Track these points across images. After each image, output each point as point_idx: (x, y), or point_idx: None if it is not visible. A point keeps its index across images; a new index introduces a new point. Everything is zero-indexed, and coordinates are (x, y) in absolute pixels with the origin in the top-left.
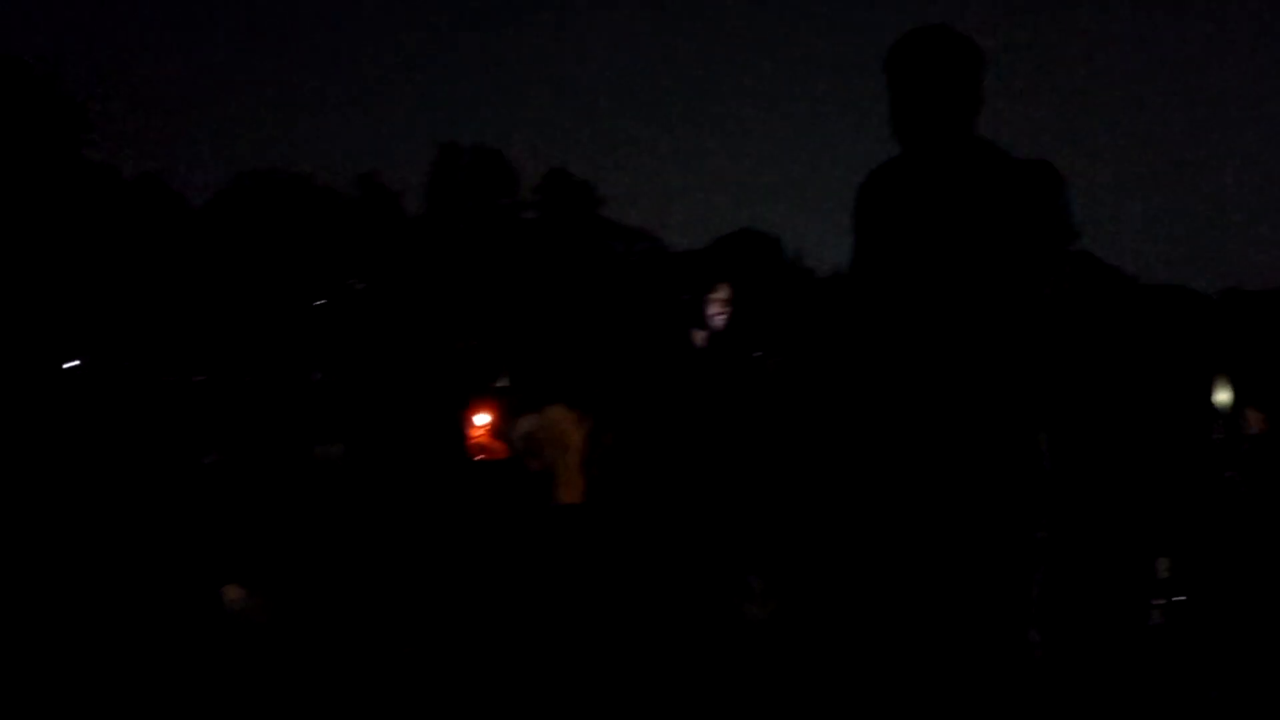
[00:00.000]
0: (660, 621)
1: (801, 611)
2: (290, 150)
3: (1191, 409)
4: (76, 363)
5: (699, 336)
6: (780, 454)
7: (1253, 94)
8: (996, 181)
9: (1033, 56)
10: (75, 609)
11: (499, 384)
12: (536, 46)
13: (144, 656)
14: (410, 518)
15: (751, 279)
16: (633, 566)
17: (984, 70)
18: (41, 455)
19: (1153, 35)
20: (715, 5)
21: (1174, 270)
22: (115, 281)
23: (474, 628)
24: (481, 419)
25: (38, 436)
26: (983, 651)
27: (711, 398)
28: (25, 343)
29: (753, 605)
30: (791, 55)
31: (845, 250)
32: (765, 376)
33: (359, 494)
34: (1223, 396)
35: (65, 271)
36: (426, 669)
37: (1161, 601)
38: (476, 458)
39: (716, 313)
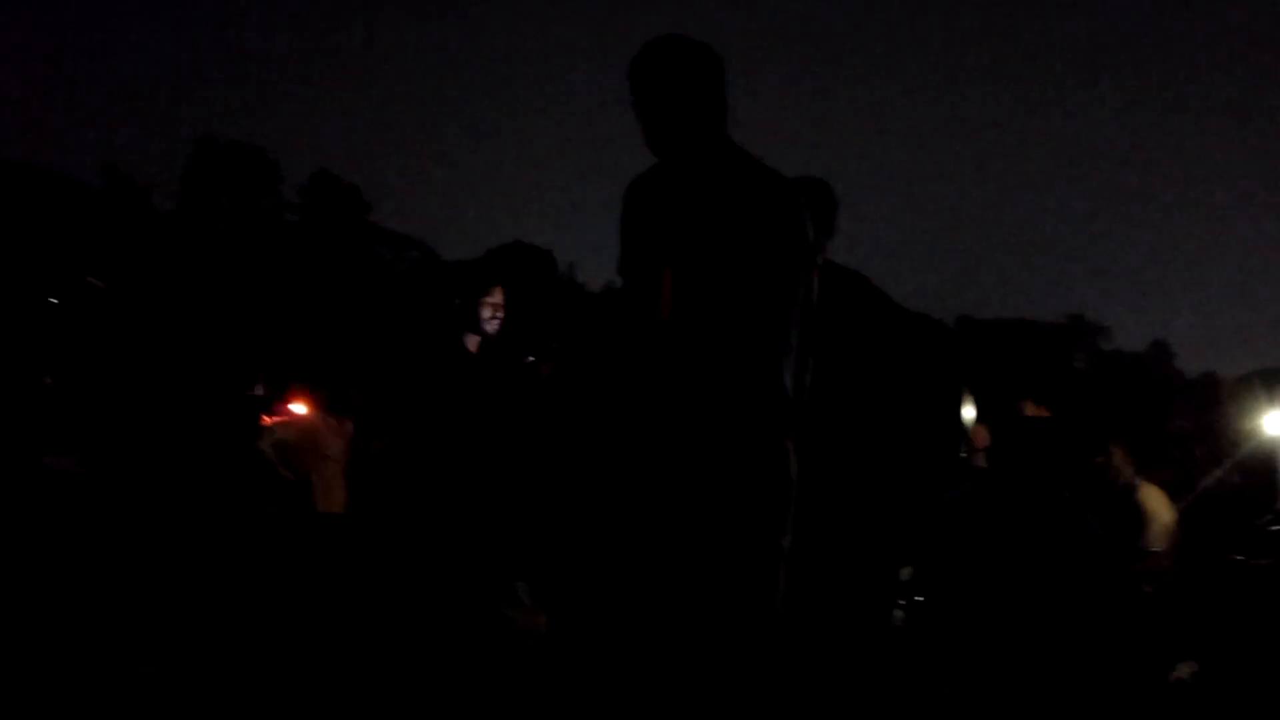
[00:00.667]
0: (425, 630)
1: (560, 617)
2: (23, 135)
3: (941, 425)
4: None
5: (472, 341)
6: (548, 459)
7: (990, 145)
8: (747, 191)
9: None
10: None
11: (254, 391)
12: (299, 45)
13: None
14: (150, 530)
15: (525, 287)
16: (398, 575)
17: (722, 75)
18: None
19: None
20: (490, 13)
21: (913, 300)
22: None
23: (225, 643)
24: (298, 408)
25: None
26: (728, 649)
27: (484, 402)
28: None
29: (518, 611)
30: (564, 68)
31: (614, 261)
32: (538, 382)
33: (95, 507)
34: (969, 413)
35: None
36: (168, 681)
37: (903, 603)
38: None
39: (490, 317)
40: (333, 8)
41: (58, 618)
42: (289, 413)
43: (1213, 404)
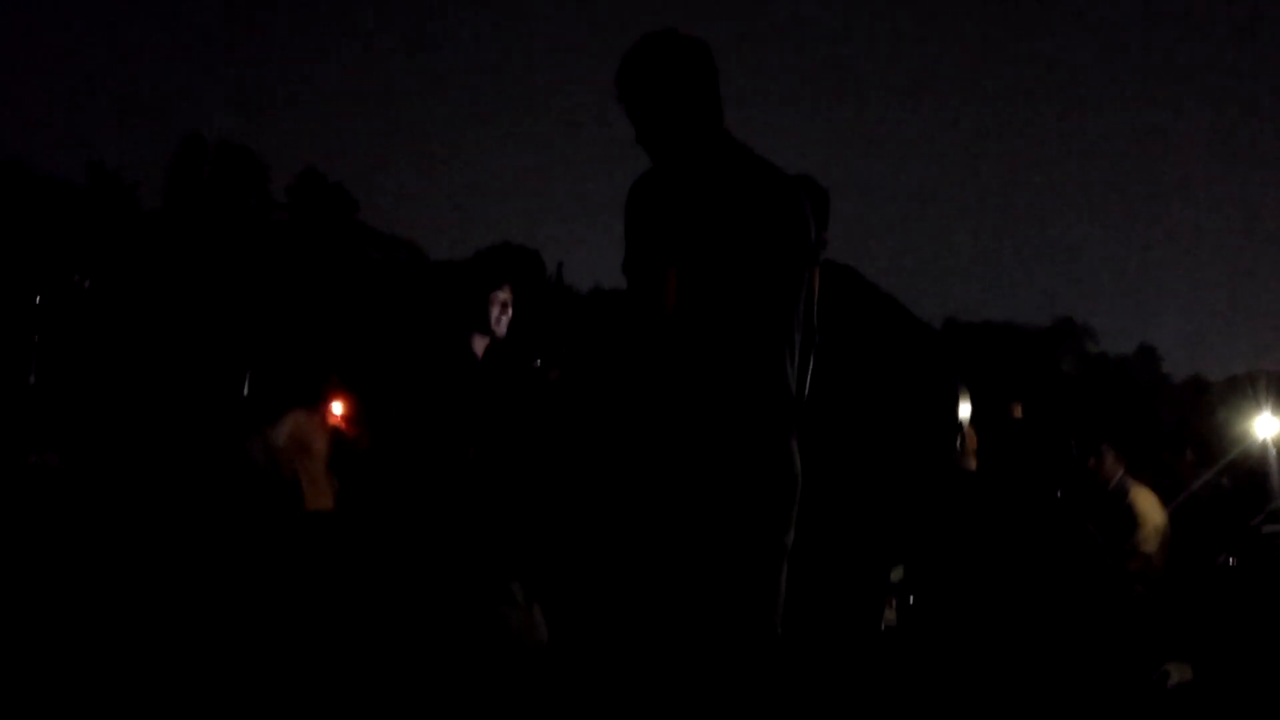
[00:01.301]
0: (417, 627)
1: (561, 615)
2: (7, 132)
3: (936, 423)
4: None
5: (478, 343)
6: (550, 458)
7: (978, 149)
8: (748, 188)
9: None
10: None
11: (241, 391)
12: (288, 44)
13: None
14: (135, 530)
15: (525, 289)
16: (390, 573)
17: (713, 70)
18: None
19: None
20: (478, 15)
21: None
22: None
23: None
24: (336, 408)
25: None
26: (732, 643)
27: (489, 404)
28: None
29: (513, 610)
30: (552, 70)
31: (604, 268)
32: (545, 386)
33: (77, 506)
34: (964, 411)
35: None
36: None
37: (894, 602)
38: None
39: (499, 316)
40: (322, 8)
41: (41, 616)
42: (331, 415)
43: (1200, 407)
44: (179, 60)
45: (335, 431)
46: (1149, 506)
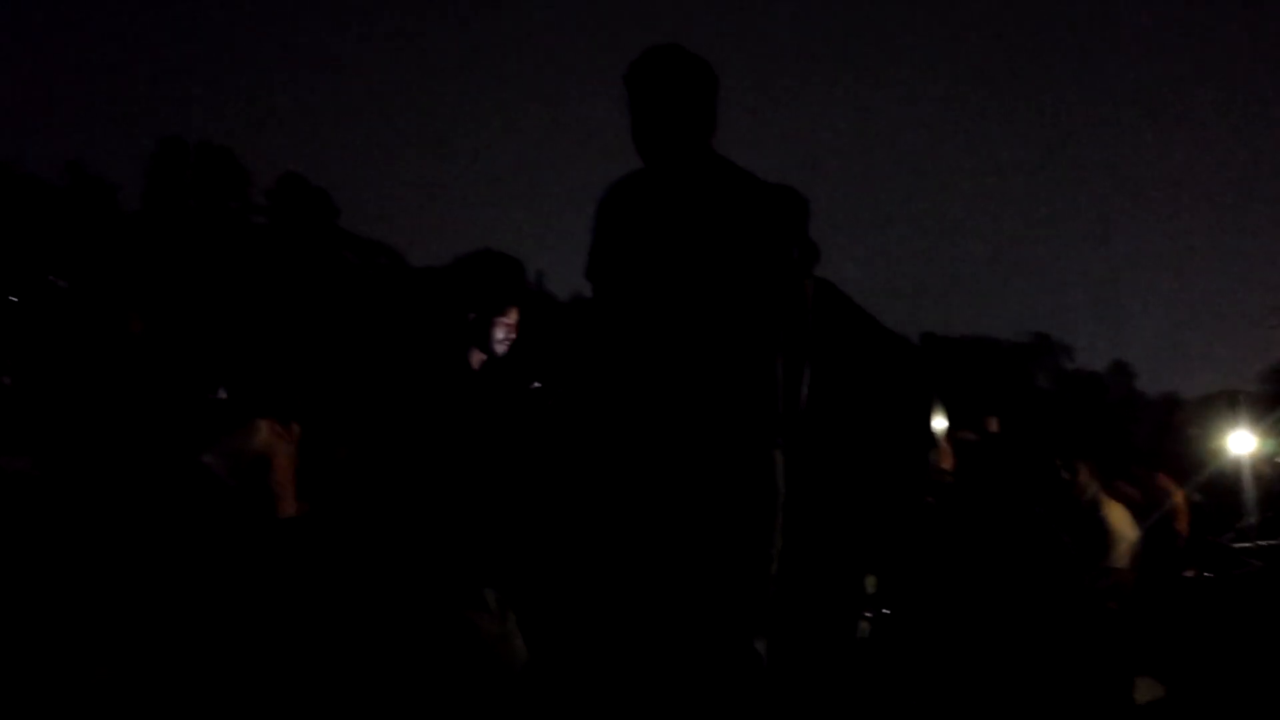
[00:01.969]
0: (387, 633)
1: (540, 626)
2: None
3: (910, 435)
4: None
5: (476, 358)
6: (532, 470)
7: (956, 164)
8: (735, 199)
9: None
10: None
11: (217, 396)
12: (269, 47)
13: None
14: (107, 537)
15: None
16: (360, 579)
17: (716, 90)
18: None
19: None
20: (460, 21)
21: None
22: None
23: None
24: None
25: None
26: (714, 660)
27: (482, 420)
28: None
29: (485, 619)
30: (534, 76)
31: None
32: (544, 410)
33: (49, 511)
34: (939, 424)
35: None
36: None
37: (869, 615)
38: None
39: (502, 339)
40: (306, 12)
41: (10, 621)
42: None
43: (1173, 424)
44: (160, 61)
45: (306, 441)
46: (1122, 523)
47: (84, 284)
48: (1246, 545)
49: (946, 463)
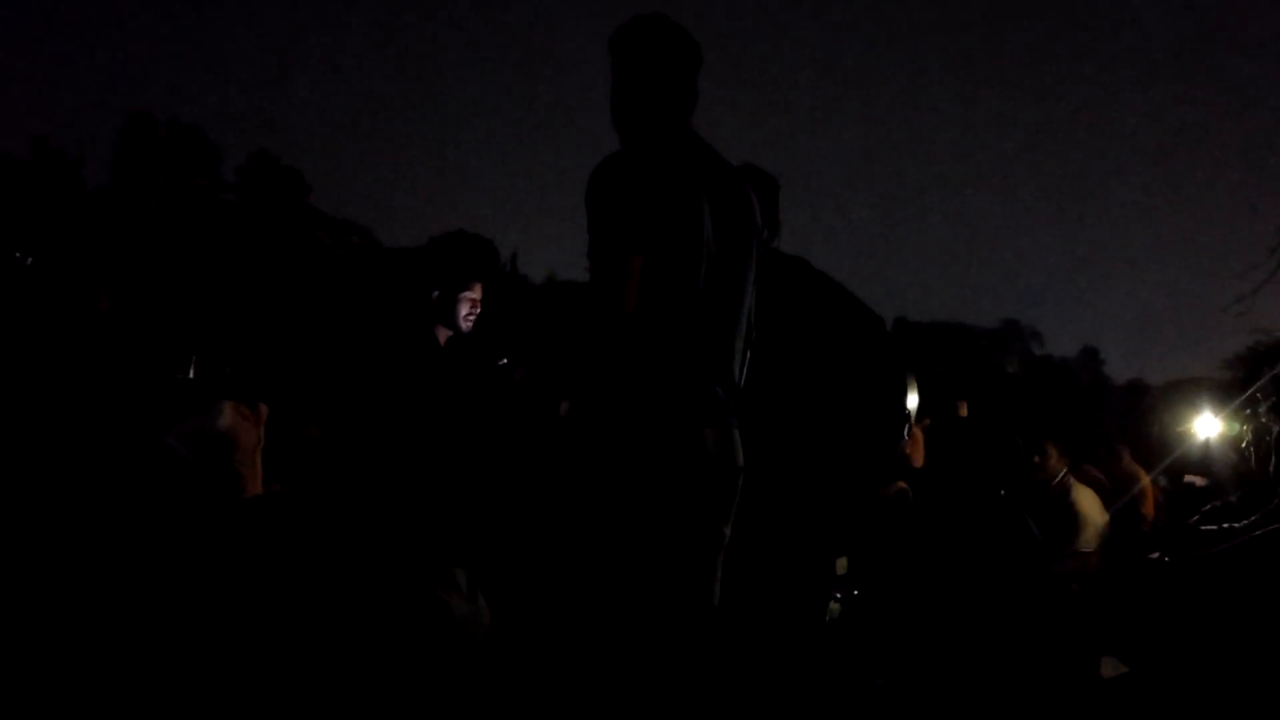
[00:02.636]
0: (356, 612)
1: (508, 603)
2: None
3: (882, 414)
4: None
5: (443, 335)
6: (501, 447)
7: (928, 149)
8: (737, 182)
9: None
10: None
11: (186, 375)
12: (239, 22)
13: None
14: (80, 521)
15: (491, 283)
16: (328, 558)
17: (698, 65)
18: None
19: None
20: (434, 3)
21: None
22: None
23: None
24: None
25: None
26: (670, 638)
27: (449, 396)
28: None
29: (455, 598)
30: (507, 56)
31: (559, 258)
32: (510, 385)
33: (20, 496)
34: (912, 401)
35: None
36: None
37: (839, 595)
38: None
39: (467, 314)
40: None
41: None
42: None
43: (1141, 409)
44: (128, 34)
45: (275, 421)
46: (1090, 506)
47: (50, 260)
48: (1211, 528)
49: (916, 447)
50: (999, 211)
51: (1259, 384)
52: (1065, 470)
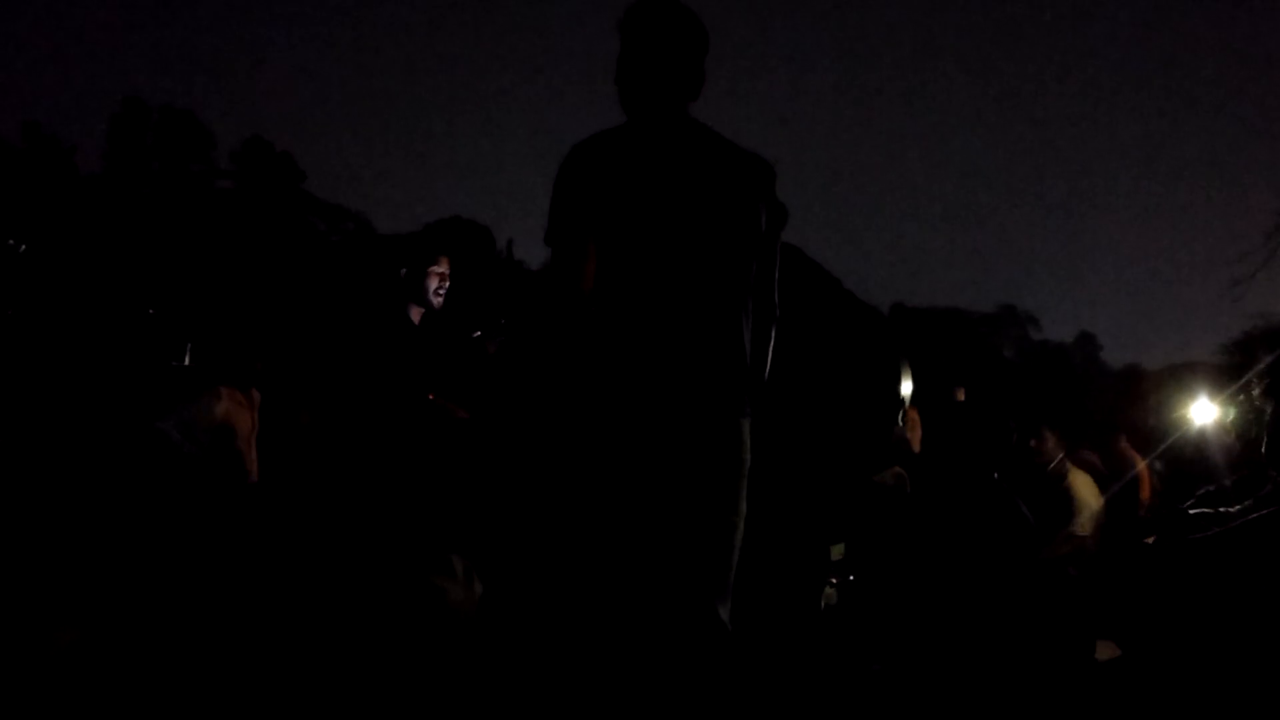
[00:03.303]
0: (352, 598)
1: (502, 593)
2: None
3: (877, 401)
4: None
5: (415, 313)
6: (493, 434)
7: (925, 136)
8: (709, 163)
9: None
10: None
11: (182, 362)
12: (239, 7)
13: None
14: (81, 509)
15: (465, 263)
16: (323, 545)
17: (707, 51)
18: None
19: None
20: None
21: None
22: None
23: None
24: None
25: None
26: (678, 625)
27: (425, 374)
28: None
29: (452, 584)
30: (505, 42)
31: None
32: (483, 359)
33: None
34: (906, 388)
35: None
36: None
37: (834, 581)
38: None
39: (436, 288)
40: None
41: None
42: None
43: (1136, 394)
44: (120, 19)
45: (269, 407)
46: (1086, 490)
47: (43, 247)
48: (1206, 511)
49: (914, 432)
50: (996, 196)
51: (1256, 369)
52: (1062, 455)
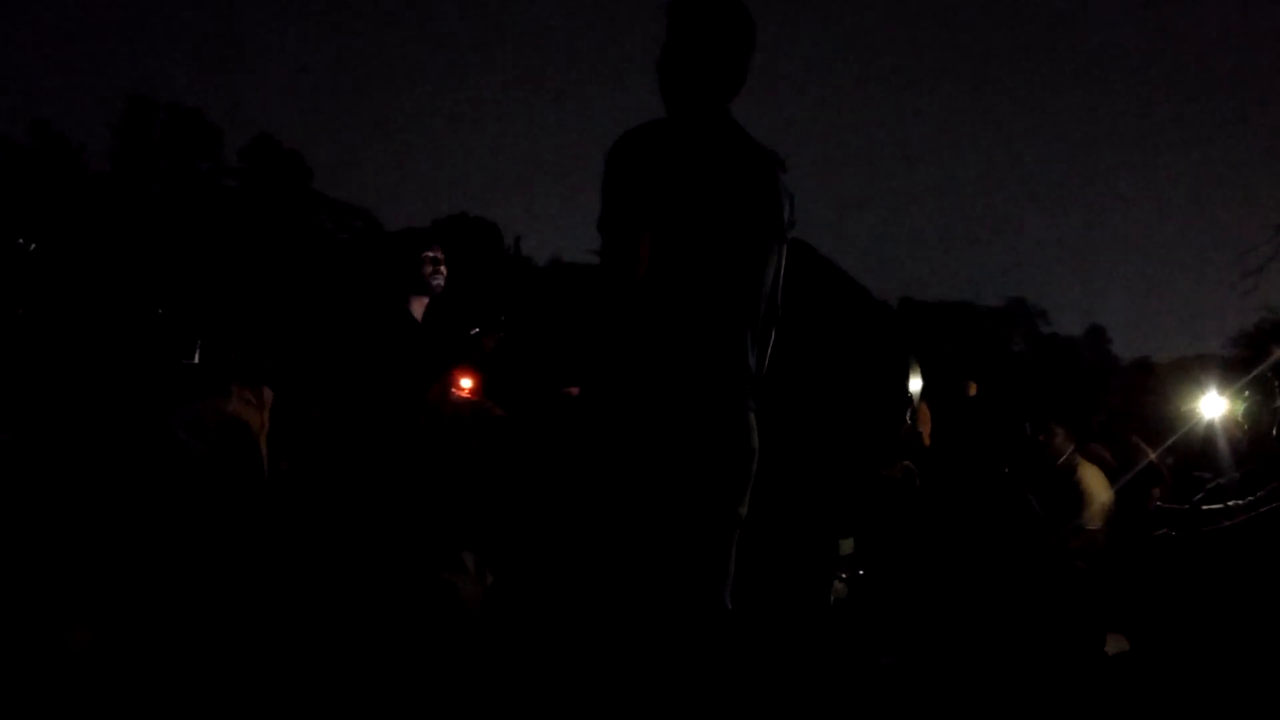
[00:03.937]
0: (362, 595)
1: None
2: None
3: (886, 397)
4: None
5: (417, 305)
6: (507, 427)
7: (935, 130)
8: (754, 162)
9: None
10: None
11: (191, 360)
12: (246, 4)
13: None
14: (92, 512)
15: (471, 259)
16: (335, 541)
17: (752, 47)
18: None
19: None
20: None
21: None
22: None
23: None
24: (465, 383)
25: None
26: (683, 611)
27: (428, 368)
28: None
29: (463, 579)
30: (514, 39)
31: (563, 241)
32: (480, 354)
33: (32, 486)
34: (915, 384)
35: None
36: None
37: (844, 575)
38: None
39: (432, 272)
40: None
41: None
42: (460, 389)
43: (1146, 388)
44: (127, 16)
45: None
46: (1096, 484)
47: (52, 246)
48: (1217, 506)
49: (925, 426)
50: (1007, 190)
51: (1268, 362)
52: (1071, 449)
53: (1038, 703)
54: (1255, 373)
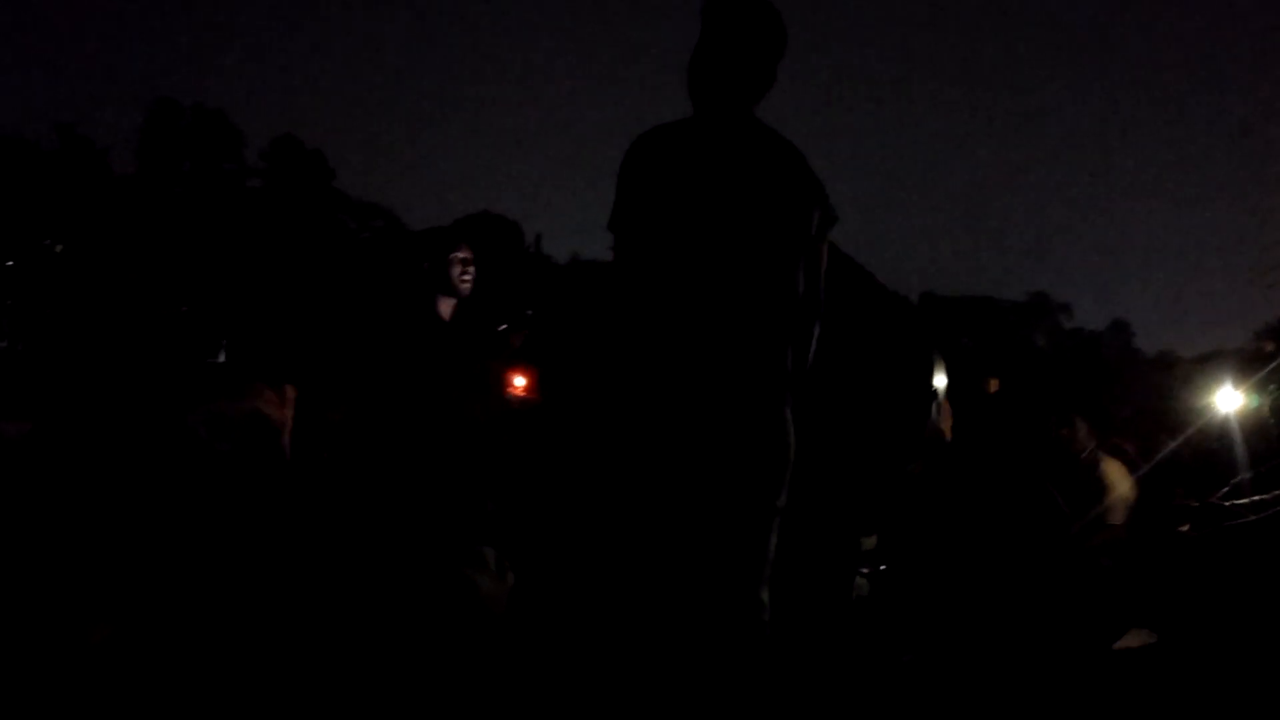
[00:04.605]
0: (385, 592)
1: (538, 580)
2: None
3: (910, 394)
4: None
5: (445, 306)
6: (532, 424)
7: (957, 125)
8: (776, 167)
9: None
10: None
11: (216, 359)
12: (268, 7)
13: None
14: (108, 508)
15: (493, 257)
16: (359, 539)
17: (782, 52)
18: None
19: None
20: None
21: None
22: None
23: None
24: (520, 381)
25: None
26: (718, 608)
27: (456, 368)
28: None
29: (484, 577)
30: (534, 37)
31: (583, 238)
32: (509, 351)
33: (47, 478)
34: (940, 381)
35: None
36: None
37: (866, 571)
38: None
39: (460, 274)
40: None
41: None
42: (514, 386)
43: (1170, 382)
44: (151, 21)
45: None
46: (1118, 478)
47: (79, 248)
48: (1241, 501)
49: (947, 422)
50: (1029, 185)
51: None
52: (1094, 443)
53: (1059, 699)
54: (1270, 367)
